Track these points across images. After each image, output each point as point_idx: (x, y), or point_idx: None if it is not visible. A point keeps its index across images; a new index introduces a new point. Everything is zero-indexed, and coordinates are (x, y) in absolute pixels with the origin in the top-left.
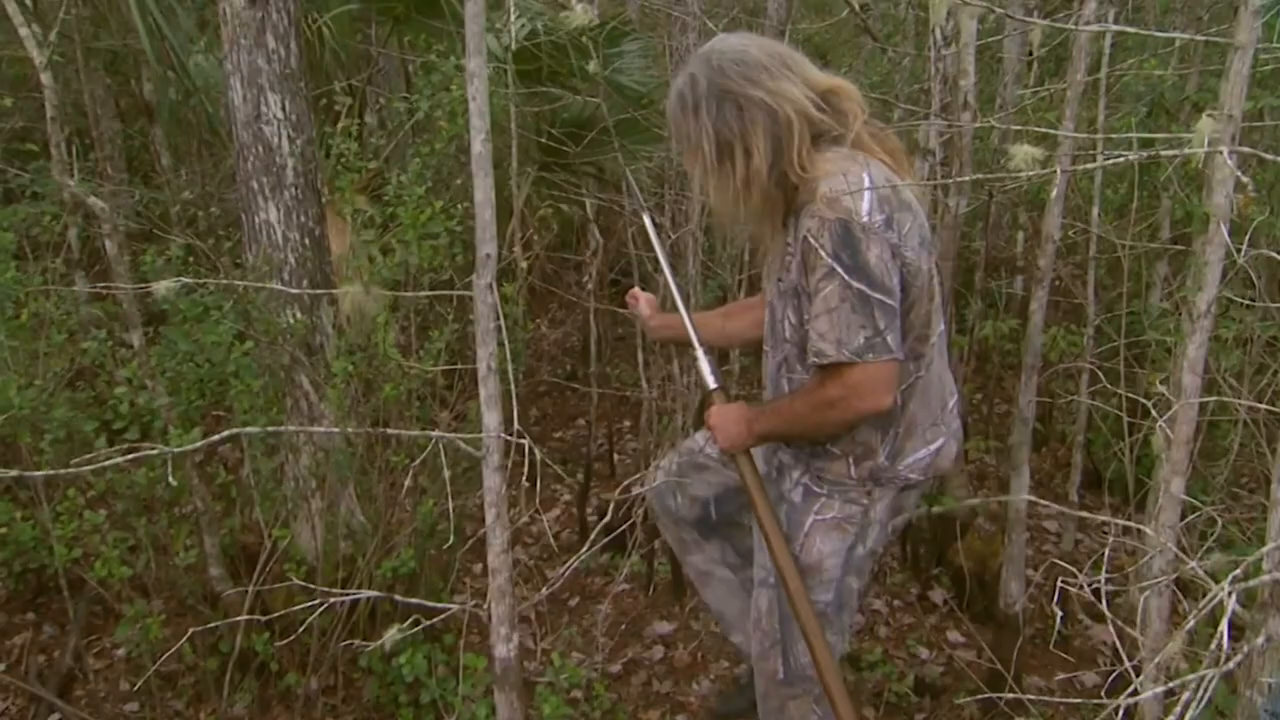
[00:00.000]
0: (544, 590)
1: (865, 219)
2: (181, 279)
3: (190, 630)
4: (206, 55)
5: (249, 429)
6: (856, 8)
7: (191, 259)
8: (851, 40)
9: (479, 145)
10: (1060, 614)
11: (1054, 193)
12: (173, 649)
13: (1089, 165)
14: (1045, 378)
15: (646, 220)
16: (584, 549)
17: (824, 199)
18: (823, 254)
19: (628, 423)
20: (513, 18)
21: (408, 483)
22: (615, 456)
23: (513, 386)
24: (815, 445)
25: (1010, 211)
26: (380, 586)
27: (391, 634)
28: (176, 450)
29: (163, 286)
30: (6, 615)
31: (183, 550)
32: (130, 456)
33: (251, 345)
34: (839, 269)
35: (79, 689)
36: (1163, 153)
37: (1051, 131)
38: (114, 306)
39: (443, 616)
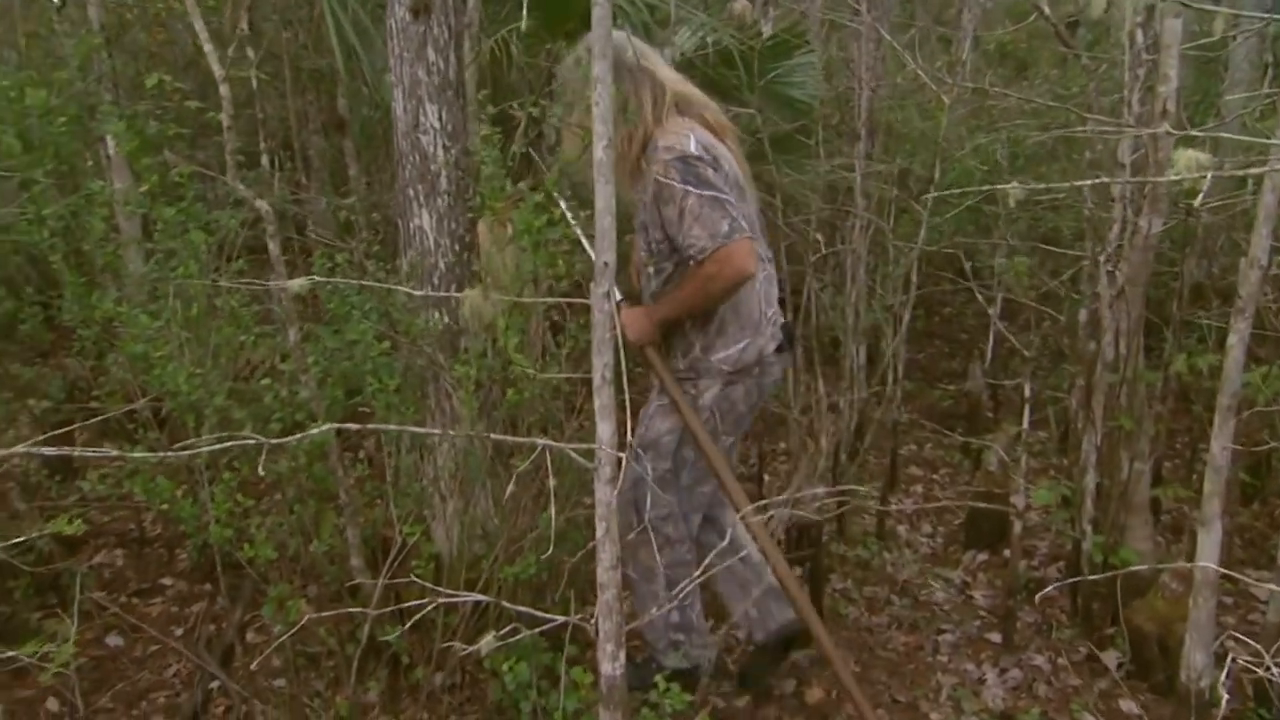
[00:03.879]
0: (654, 610)
1: (694, 152)
2: (314, 277)
3: (307, 617)
4: None
5: (344, 425)
6: (1046, 11)
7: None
8: (1054, 50)
9: (600, 151)
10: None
11: (1261, 211)
12: (293, 627)
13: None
14: (1259, 423)
15: (563, 205)
16: (701, 570)
17: (663, 149)
18: (675, 184)
19: (781, 444)
20: (684, 32)
21: (535, 486)
22: (765, 478)
23: (626, 397)
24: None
25: (1226, 235)
26: (505, 591)
27: (488, 640)
28: (271, 442)
29: (296, 284)
30: (189, 584)
31: (326, 538)
32: (223, 445)
33: (388, 345)
34: (691, 189)
35: (237, 660)
36: None
37: (1265, 141)
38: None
39: (552, 626)
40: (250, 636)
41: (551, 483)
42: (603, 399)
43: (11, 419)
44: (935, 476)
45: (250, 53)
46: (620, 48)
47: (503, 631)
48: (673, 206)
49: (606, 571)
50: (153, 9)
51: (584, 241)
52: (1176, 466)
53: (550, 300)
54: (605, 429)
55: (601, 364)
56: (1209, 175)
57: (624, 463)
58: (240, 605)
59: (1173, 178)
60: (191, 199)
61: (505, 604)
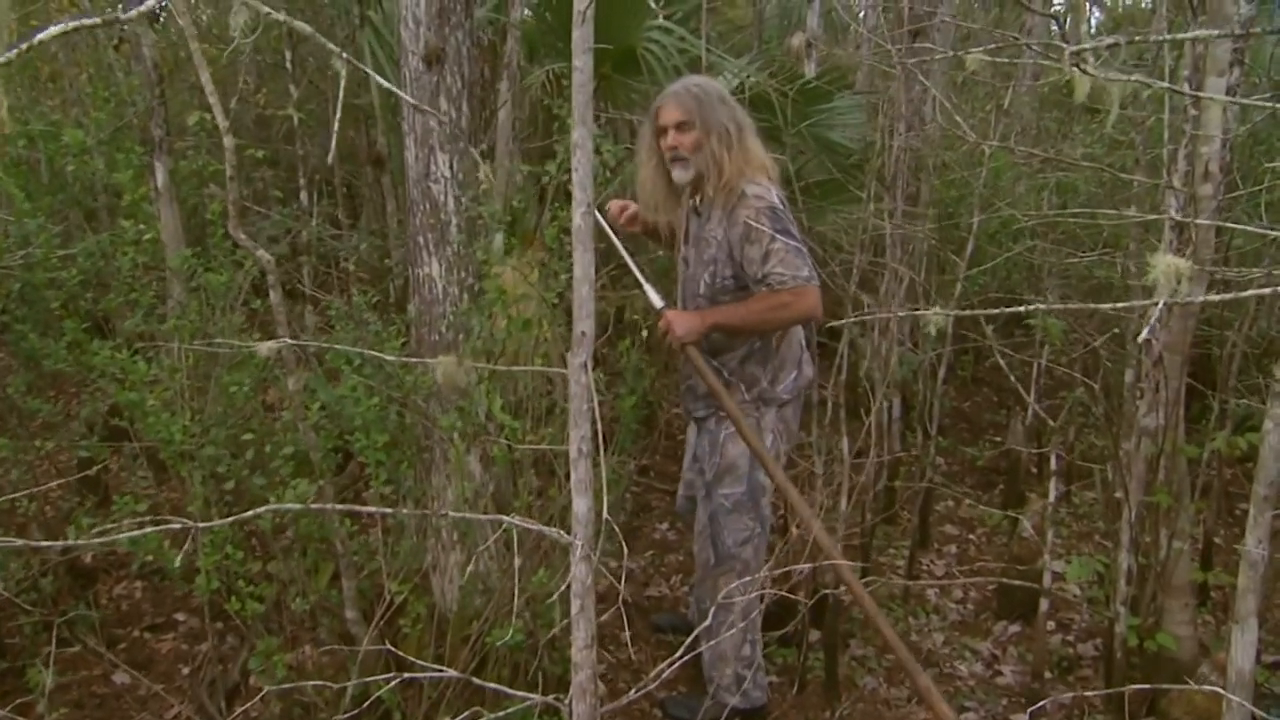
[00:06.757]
0: (634, 692)
1: (781, 206)
2: (284, 339)
3: (295, 684)
4: None
5: (284, 505)
6: (1083, 70)
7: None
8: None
9: (579, 218)
10: None
11: None
12: (281, 683)
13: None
14: None
15: (599, 219)
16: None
17: (753, 196)
18: (765, 230)
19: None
20: (720, 78)
21: (531, 544)
22: (794, 529)
23: (604, 475)
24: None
25: None
26: (489, 655)
27: None
28: (201, 525)
29: (264, 348)
30: (201, 621)
31: (322, 588)
32: (154, 529)
33: (378, 401)
34: (779, 236)
35: (239, 703)
36: None
37: None
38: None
39: (528, 705)
40: (254, 680)
41: (518, 562)
42: (579, 473)
43: (18, 456)
44: (971, 537)
45: (292, 89)
46: (712, 86)
47: (463, 717)
48: (758, 247)
49: (581, 651)
50: (205, 50)
51: (640, 281)
52: (1235, 537)
53: (528, 369)
54: (581, 504)
55: (579, 436)
56: (1200, 294)
57: (701, 510)
58: (247, 647)
59: (1151, 302)
60: (220, 237)
61: (475, 679)
